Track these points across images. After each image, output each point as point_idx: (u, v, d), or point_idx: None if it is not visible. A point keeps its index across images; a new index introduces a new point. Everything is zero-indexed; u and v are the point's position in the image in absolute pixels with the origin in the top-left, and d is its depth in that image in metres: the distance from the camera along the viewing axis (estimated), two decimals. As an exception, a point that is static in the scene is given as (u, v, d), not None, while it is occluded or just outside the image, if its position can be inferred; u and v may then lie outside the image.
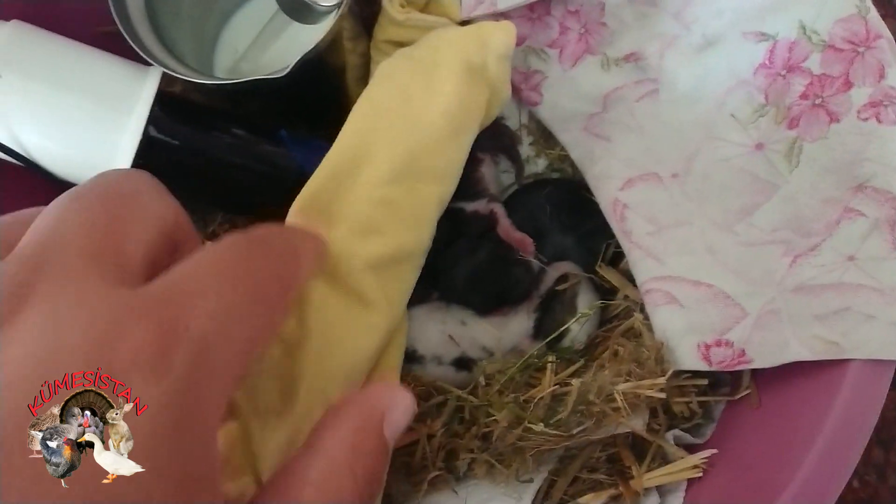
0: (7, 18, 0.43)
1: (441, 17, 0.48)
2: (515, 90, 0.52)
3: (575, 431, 0.40)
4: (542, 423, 0.39)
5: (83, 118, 0.40)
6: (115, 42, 0.43)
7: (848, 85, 0.39)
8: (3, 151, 0.39)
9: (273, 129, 0.46)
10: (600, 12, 0.48)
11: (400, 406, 0.22)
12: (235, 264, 0.20)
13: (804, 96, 0.40)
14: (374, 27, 0.49)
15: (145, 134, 0.41)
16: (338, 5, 0.42)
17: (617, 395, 0.39)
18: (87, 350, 0.16)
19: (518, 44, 0.50)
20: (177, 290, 0.18)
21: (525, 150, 0.54)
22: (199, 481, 0.17)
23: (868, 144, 0.38)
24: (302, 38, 0.46)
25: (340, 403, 0.22)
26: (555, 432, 0.39)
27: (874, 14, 0.38)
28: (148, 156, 0.42)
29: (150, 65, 0.43)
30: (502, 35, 0.43)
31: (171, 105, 0.44)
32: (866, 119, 0.38)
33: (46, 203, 0.20)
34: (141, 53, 0.42)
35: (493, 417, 0.42)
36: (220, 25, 0.54)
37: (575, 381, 0.40)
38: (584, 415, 0.40)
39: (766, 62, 0.42)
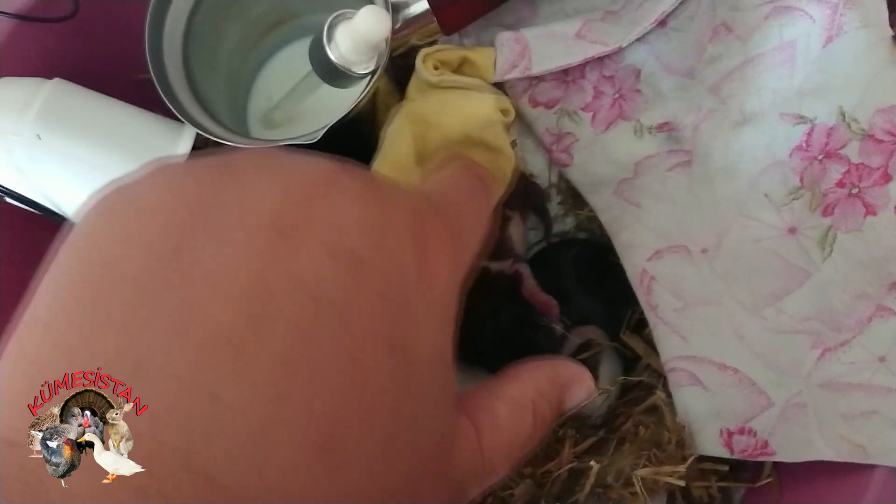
0: (54, 66, 0.44)
1: (474, 77, 0.48)
2: (547, 150, 0.52)
3: (591, 513, 0.40)
4: (558, 504, 0.39)
5: (118, 175, 0.41)
6: (152, 89, 0.44)
7: (887, 178, 0.38)
8: (34, 209, 0.40)
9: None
10: (635, 79, 0.48)
11: (584, 385, 0.26)
12: (478, 197, 0.26)
13: (840, 184, 0.40)
14: (408, 85, 0.49)
15: (177, 191, 0.42)
16: (372, 72, 0.42)
17: (635, 481, 0.39)
18: (409, 223, 0.20)
19: (551, 106, 0.50)
20: (451, 207, 0.23)
21: (554, 208, 0.54)
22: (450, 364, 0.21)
23: (905, 242, 0.37)
24: (338, 94, 0.46)
25: (535, 366, 0.26)
26: (571, 514, 0.39)
27: (917, 106, 0.38)
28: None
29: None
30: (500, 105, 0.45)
31: (203, 162, 0.44)
32: (904, 215, 0.37)
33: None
34: (177, 113, 0.42)
35: (511, 491, 0.42)
36: (255, 72, 0.55)
37: (594, 464, 0.40)
38: (602, 498, 0.40)
39: (803, 145, 0.41)
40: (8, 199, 0.40)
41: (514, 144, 0.54)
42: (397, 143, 0.44)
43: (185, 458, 0.15)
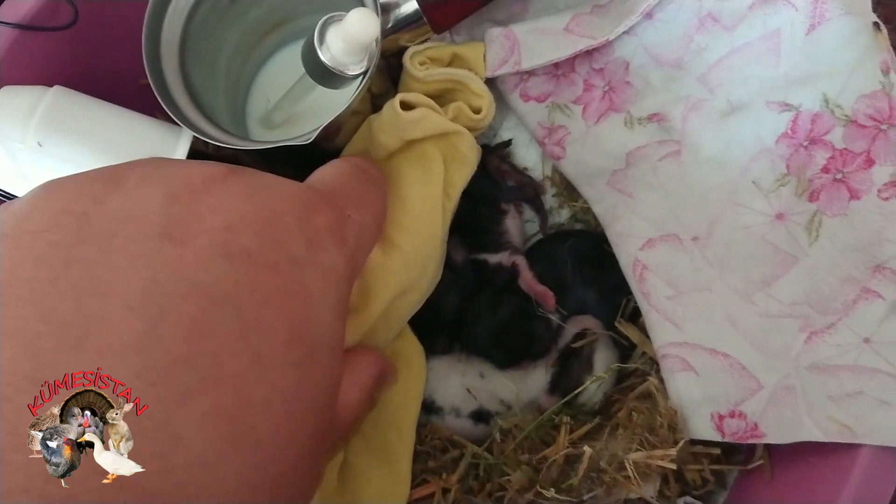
0: (56, 73, 0.45)
1: (463, 69, 0.48)
2: (539, 144, 0.53)
3: (586, 497, 0.40)
4: (553, 489, 0.40)
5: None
6: (153, 93, 0.45)
7: (870, 162, 0.38)
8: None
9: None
10: (625, 71, 0.49)
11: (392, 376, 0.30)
12: (361, 181, 0.28)
13: (826, 170, 0.40)
14: (400, 82, 0.50)
15: (177, 192, 0.43)
16: (364, 72, 0.43)
17: (627, 465, 0.40)
18: (296, 214, 0.21)
19: (542, 100, 0.51)
20: (336, 192, 0.25)
21: (549, 200, 0.55)
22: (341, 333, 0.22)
23: (889, 224, 0.37)
24: (335, 94, 0.47)
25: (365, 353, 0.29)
26: (565, 498, 0.40)
27: (899, 90, 0.38)
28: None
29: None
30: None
31: (202, 164, 0.45)
32: (887, 199, 0.38)
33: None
34: (174, 118, 0.43)
35: (508, 477, 0.43)
36: (253, 75, 0.56)
37: (587, 448, 0.41)
38: (595, 482, 0.40)
39: (789, 132, 0.42)
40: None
41: (508, 143, 0.55)
42: (353, 143, 0.47)
43: None
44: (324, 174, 0.27)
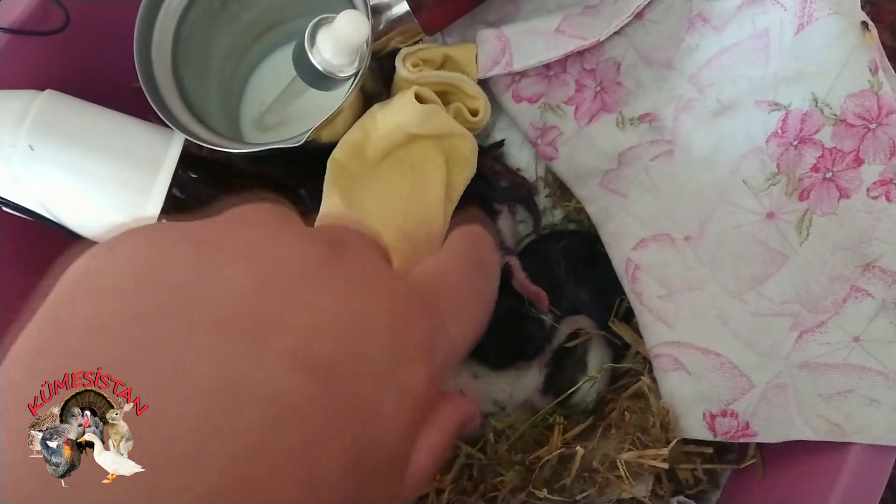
0: (47, 78, 0.45)
1: (455, 72, 0.49)
2: (532, 144, 0.53)
3: (578, 498, 0.40)
4: (545, 489, 0.40)
5: (111, 183, 0.42)
6: (145, 98, 0.45)
7: (859, 161, 0.39)
8: (31, 217, 0.41)
9: (294, 187, 0.48)
10: (616, 72, 0.49)
11: (475, 423, 0.26)
12: (473, 278, 0.25)
13: (815, 169, 0.40)
14: (392, 84, 0.50)
15: (169, 195, 0.43)
16: (355, 74, 0.43)
17: (620, 464, 0.40)
18: (389, 322, 0.20)
19: (534, 100, 0.51)
20: (440, 297, 0.22)
21: (542, 201, 0.55)
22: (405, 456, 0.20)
23: (878, 223, 0.38)
24: (327, 94, 0.47)
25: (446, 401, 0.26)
26: (559, 498, 0.40)
27: (887, 90, 0.38)
28: (172, 216, 0.43)
29: (175, 128, 0.44)
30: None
31: (194, 167, 0.45)
32: (876, 197, 0.38)
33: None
34: (166, 121, 0.43)
35: (501, 477, 0.43)
36: (246, 78, 0.56)
37: (580, 448, 0.41)
38: (588, 482, 0.41)
39: (779, 131, 0.42)
40: (5, 209, 0.42)
41: (501, 144, 0.55)
42: (352, 131, 0.47)
43: None
44: (434, 267, 0.24)
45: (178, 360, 0.17)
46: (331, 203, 0.43)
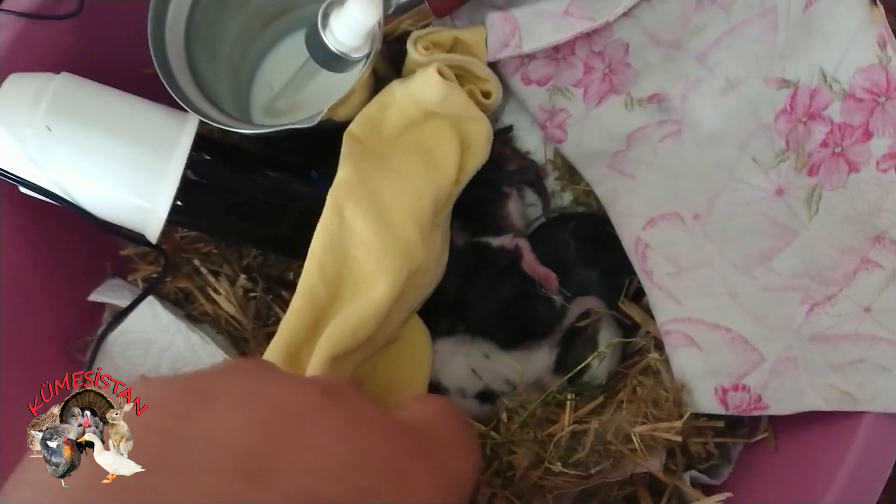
0: (62, 62, 0.46)
1: (466, 55, 0.49)
2: (541, 127, 0.53)
3: (593, 471, 0.41)
4: (560, 463, 0.40)
5: (126, 164, 0.43)
6: (158, 82, 0.46)
7: (868, 135, 0.39)
8: (47, 197, 0.42)
9: (304, 169, 0.48)
10: (624, 53, 0.49)
11: None
12: (455, 424, 0.26)
13: (824, 144, 0.41)
14: (403, 67, 0.50)
15: (184, 177, 0.44)
16: (367, 55, 0.44)
17: (634, 437, 0.40)
18: (387, 468, 0.20)
19: (543, 83, 0.52)
20: (429, 434, 0.23)
21: (551, 184, 0.56)
22: None
23: (887, 196, 0.38)
24: (336, 80, 0.48)
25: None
26: (574, 472, 0.41)
27: (895, 64, 0.39)
28: (186, 197, 0.44)
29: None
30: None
31: (208, 149, 0.46)
32: (885, 170, 0.38)
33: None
34: (180, 102, 0.44)
35: (515, 454, 0.43)
36: (257, 63, 0.56)
37: (593, 422, 0.41)
38: (602, 455, 0.41)
39: (788, 108, 0.42)
40: (23, 189, 0.42)
41: (509, 129, 0.56)
42: (370, 106, 0.48)
43: None
44: (417, 412, 0.26)
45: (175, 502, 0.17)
46: (344, 174, 0.44)
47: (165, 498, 0.16)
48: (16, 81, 0.42)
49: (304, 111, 0.54)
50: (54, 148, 0.41)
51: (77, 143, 0.41)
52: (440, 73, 0.45)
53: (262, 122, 0.56)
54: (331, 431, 0.19)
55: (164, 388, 0.19)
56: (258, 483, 0.17)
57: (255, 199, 0.47)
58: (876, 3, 0.40)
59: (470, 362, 0.49)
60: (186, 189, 0.44)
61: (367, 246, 0.42)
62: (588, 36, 0.49)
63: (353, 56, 0.43)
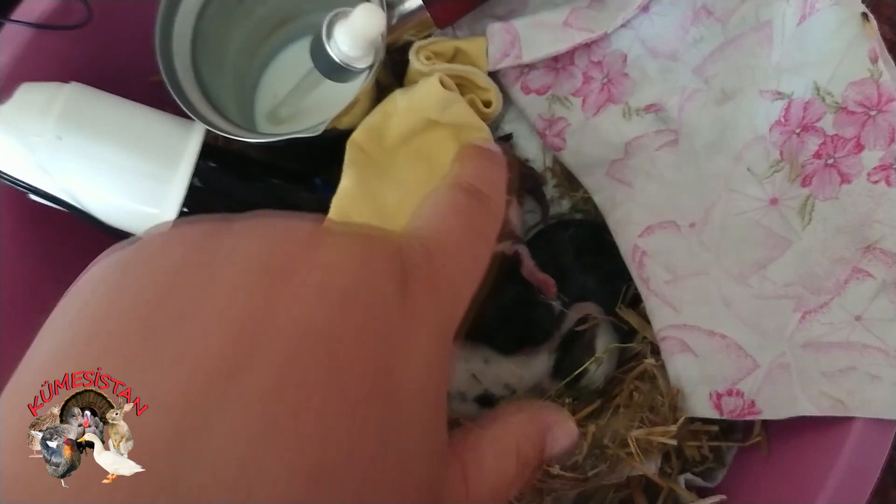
0: (71, 70, 0.47)
1: (467, 65, 0.50)
2: (540, 135, 0.54)
3: (590, 474, 0.42)
4: (557, 466, 0.41)
5: (134, 172, 0.44)
6: (164, 90, 0.46)
7: (860, 147, 0.40)
8: (57, 204, 0.43)
9: (308, 177, 0.49)
10: (623, 64, 0.50)
11: (566, 428, 0.25)
12: (465, 216, 0.25)
13: (817, 155, 0.42)
14: (405, 76, 0.51)
15: (191, 185, 0.44)
16: (370, 66, 0.44)
17: (630, 441, 0.41)
18: (388, 258, 0.21)
19: (542, 92, 0.53)
20: (431, 239, 0.23)
21: (550, 191, 0.56)
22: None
23: (878, 206, 0.39)
24: (339, 89, 0.49)
25: (516, 408, 0.26)
26: (571, 475, 0.41)
27: (886, 78, 0.39)
28: (193, 205, 0.45)
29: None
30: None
31: (213, 156, 0.46)
32: (877, 182, 0.39)
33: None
34: (187, 111, 0.45)
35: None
36: (261, 71, 0.57)
37: (590, 426, 0.42)
38: (599, 458, 0.42)
39: (782, 119, 0.43)
40: (33, 197, 0.43)
41: (509, 137, 0.57)
42: (373, 115, 0.48)
43: (172, 484, 0.15)
44: (422, 213, 0.26)
45: (204, 299, 0.18)
46: (348, 182, 0.44)
47: (202, 295, 0.18)
48: (27, 91, 0.43)
49: (308, 118, 0.55)
50: (64, 156, 0.42)
51: (87, 152, 0.42)
52: (442, 82, 0.46)
53: (266, 129, 0.57)
54: (336, 242, 0.21)
55: (187, 225, 0.21)
56: (281, 277, 0.19)
57: (260, 206, 0.48)
58: (868, 18, 0.41)
59: (470, 367, 0.50)
60: (193, 196, 0.45)
61: None
62: (587, 46, 0.50)
63: (357, 67, 0.44)
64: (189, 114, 0.45)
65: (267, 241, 0.20)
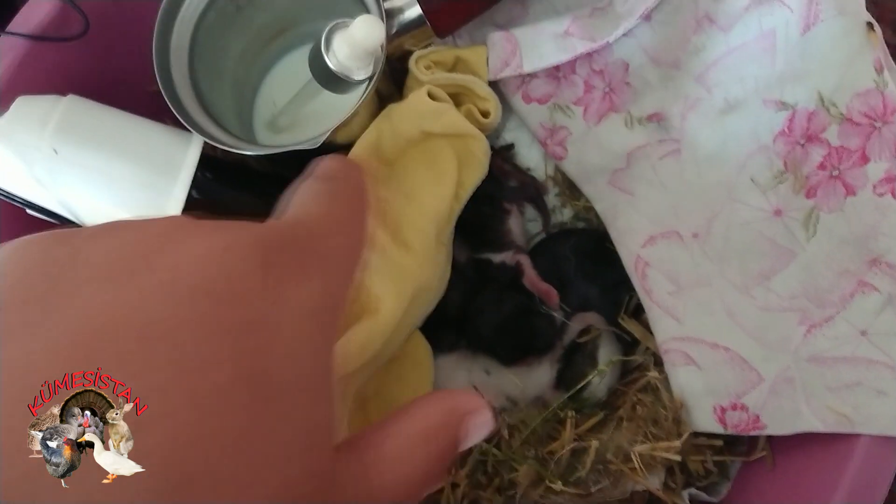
0: (68, 82, 0.46)
1: (467, 74, 0.50)
2: (542, 144, 0.54)
3: (593, 490, 0.41)
4: (560, 482, 0.41)
5: (132, 185, 0.43)
6: (162, 99, 0.46)
7: (865, 159, 0.39)
8: (53, 219, 0.42)
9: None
10: (624, 72, 0.50)
11: (479, 417, 0.23)
12: (330, 200, 0.24)
13: (822, 167, 0.41)
14: (404, 86, 0.51)
15: (189, 197, 0.44)
16: (370, 77, 0.44)
17: (634, 456, 0.41)
18: (250, 247, 0.19)
19: (543, 101, 0.52)
20: (299, 223, 0.22)
21: (551, 200, 0.56)
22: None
23: (883, 219, 0.38)
24: (339, 97, 0.48)
25: (425, 400, 0.24)
26: (574, 491, 0.41)
27: (892, 88, 0.39)
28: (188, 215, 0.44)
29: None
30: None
31: (212, 168, 0.46)
32: (882, 194, 0.39)
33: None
34: (184, 123, 0.44)
35: (516, 472, 0.44)
36: (259, 80, 0.57)
37: (593, 441, 0.42)
38: (602, 473, 0.41)
39: (786, 130, 0.43)
40: (29, 211, 0.43)
41: (510, 147, 0.56)
42: (369, 132, 0.48)
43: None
44: (282, 207, 0.25)
45: (43, 314, 0.17)
46: None
47: (42, 308, 0.17)
48: (23, 104, 0.42)
49: (305, 128, 0.54)
50: (61, 170, 0.42)
51: (83, 165, 0.42)
52: (431, 94, 0.46)
53: (265, 138, 0.56)
54: (194, 235, 0.20)
55: (31, 238, 0.20)
56: (124, 284, 0.18)
57: (259, 216, 0.47)
58: (873, 28, 0.40)
59: (471, 378, 0.49)
60: (191, 209, 0.44)
61: (372, 268, 0.43)
62: (588, 55, 0.50)
63: (356, 78, 0.43)
64: (187, 125, 0.45)
65: (112, 249, 0.19)
